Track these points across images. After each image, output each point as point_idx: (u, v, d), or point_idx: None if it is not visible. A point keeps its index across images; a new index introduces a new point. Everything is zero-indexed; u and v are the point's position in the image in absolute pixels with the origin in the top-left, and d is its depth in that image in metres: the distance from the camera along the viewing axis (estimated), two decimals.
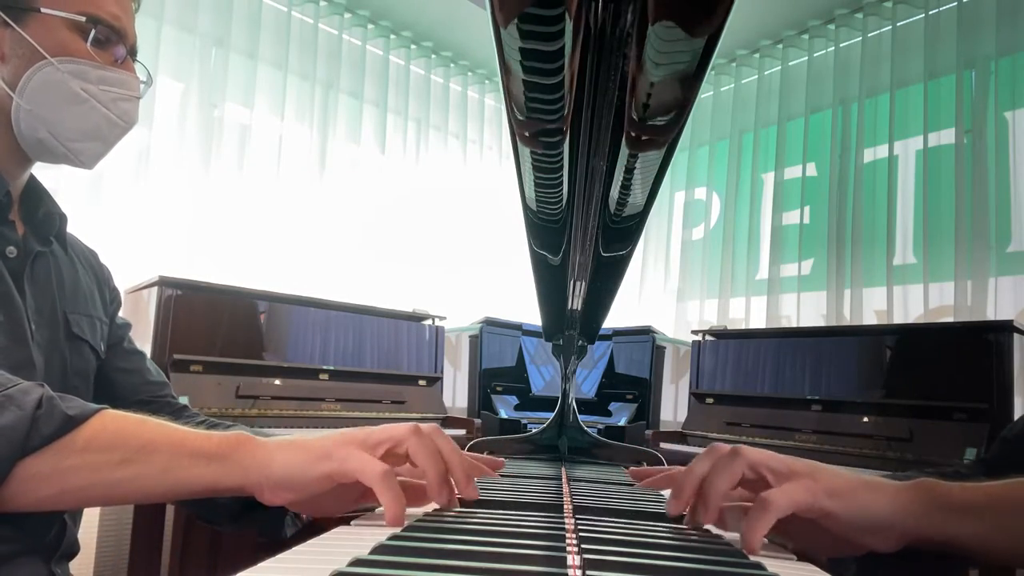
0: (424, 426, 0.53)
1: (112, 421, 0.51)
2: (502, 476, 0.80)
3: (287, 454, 0.50)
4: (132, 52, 0.81)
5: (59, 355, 0.77)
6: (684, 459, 0.71)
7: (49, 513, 0.70)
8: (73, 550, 0.77)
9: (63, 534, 0.73)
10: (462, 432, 2.12)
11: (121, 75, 0.78)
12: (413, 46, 3.20)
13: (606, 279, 0.86)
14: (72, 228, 0.86)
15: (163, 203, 2.38)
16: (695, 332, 2.40)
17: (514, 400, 2.41)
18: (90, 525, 1.89)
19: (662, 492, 0.77)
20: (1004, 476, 0.65)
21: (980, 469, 0.81)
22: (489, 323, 2.43)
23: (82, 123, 0.77)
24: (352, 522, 0.50)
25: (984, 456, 0.86)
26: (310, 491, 0.50)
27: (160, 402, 0.91)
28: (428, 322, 2.35)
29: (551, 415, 1.09)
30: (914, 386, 1.77)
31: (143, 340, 1.69)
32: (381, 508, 0.56)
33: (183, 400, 0.95)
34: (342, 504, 0.55)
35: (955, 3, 2.51)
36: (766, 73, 3.12)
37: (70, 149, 0.78)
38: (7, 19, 0.72)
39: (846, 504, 0.47)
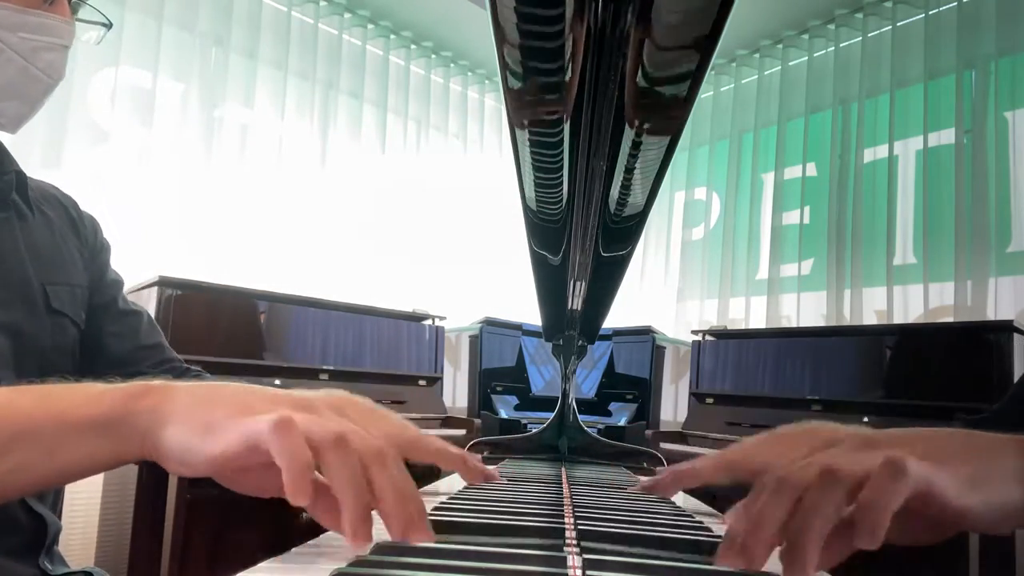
0: (354, 432, 0.36)
1: None
2: (502, 476, 0.80)
3: (177, 426, 0.38)
4: None
5: (34, 333, 0.69)
6: (684, 459, 0.71)
7: (16, 511, 0.67)
8: (56, 535, 0.72)
9: (43, 530, 0.69)
10: (462, 432, 2.12)
11: (43, 19, 0.65)
12: (413, 46, 3.20)
13: (606, 279, 0.86)
14: None
15: (163, 203, 2.38)
16: (695, 332, 2.40)
17: (514, 400, 2.41)
18: (90, 525, 1.89)
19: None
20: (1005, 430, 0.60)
21: (985, 423, 0.80)
22: (489, 323, 2.43)
23: None
24: None
25: (994, 409, 0.82)
26: (205, 472, 0.37)
27: (160, 371, 0.81)
28: (428, 322, 2.35)
29: (551, 415, 1.09)
30: (914, 386, 1.77)
31: None
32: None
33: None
34: (267, 482, 0.38)
35: (955, 3, 2.50)
36: (766, 73, 3.12)
37: None
38: None
39: (986, 497, 0.35)
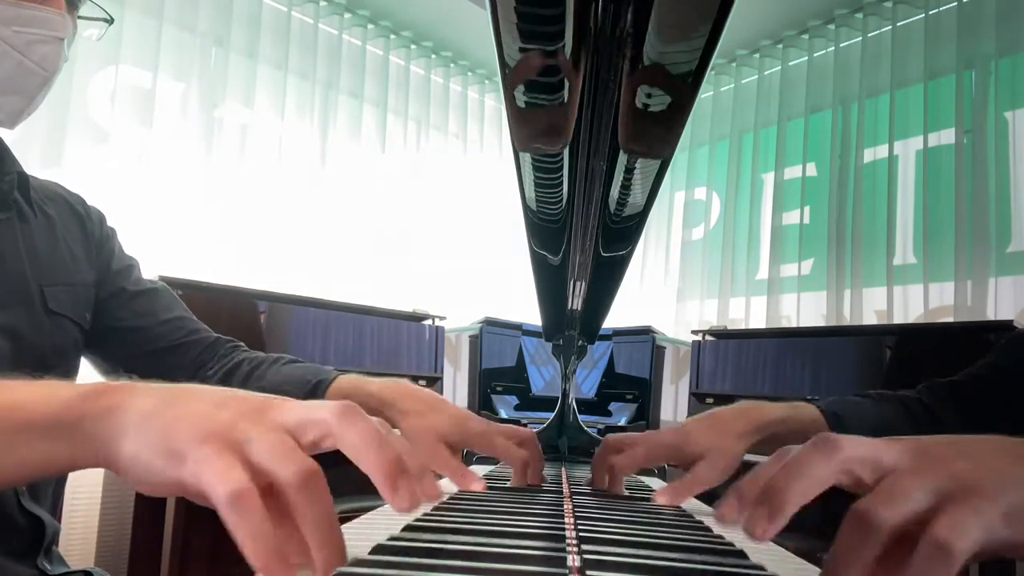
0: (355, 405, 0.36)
1: None
2: (502, 476, 0.80)
3: (139, 440, 0.34)
4: None
5: (34, 334, 0.68)
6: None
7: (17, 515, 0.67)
8: (55, 536, 0.72)
9: (41, 531, 0.70)
10: None
11: (37, 12, 0.64)
12: (413, 46, 3.20)
13: (606, 279, 0.86)
14: None
15: (163, 203, 2.38)
16: (695, 332, 2.40)
17: (514, 400, 2.41)
18: (90, 525, 1.89)
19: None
20: (974, 405, 0.58)
21: (945, 393, 0.77)
22: (489, 323, 2.43)
23: None
24: (352, 521, 0.50)
25: (967, 372, 0.79)
26: (165, 494, 0.35)
27: (185, 343, 0.82)
28: (428, 322, 2.35)
29: (551, 415, 1.09)
30: (914, 386, 1.76)
31: None
32: (385, 507, 0.55)
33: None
34: None
35: (955, 3, 2.50)
36: (766, 73, 3.12)
37: None
38: None
39: None
